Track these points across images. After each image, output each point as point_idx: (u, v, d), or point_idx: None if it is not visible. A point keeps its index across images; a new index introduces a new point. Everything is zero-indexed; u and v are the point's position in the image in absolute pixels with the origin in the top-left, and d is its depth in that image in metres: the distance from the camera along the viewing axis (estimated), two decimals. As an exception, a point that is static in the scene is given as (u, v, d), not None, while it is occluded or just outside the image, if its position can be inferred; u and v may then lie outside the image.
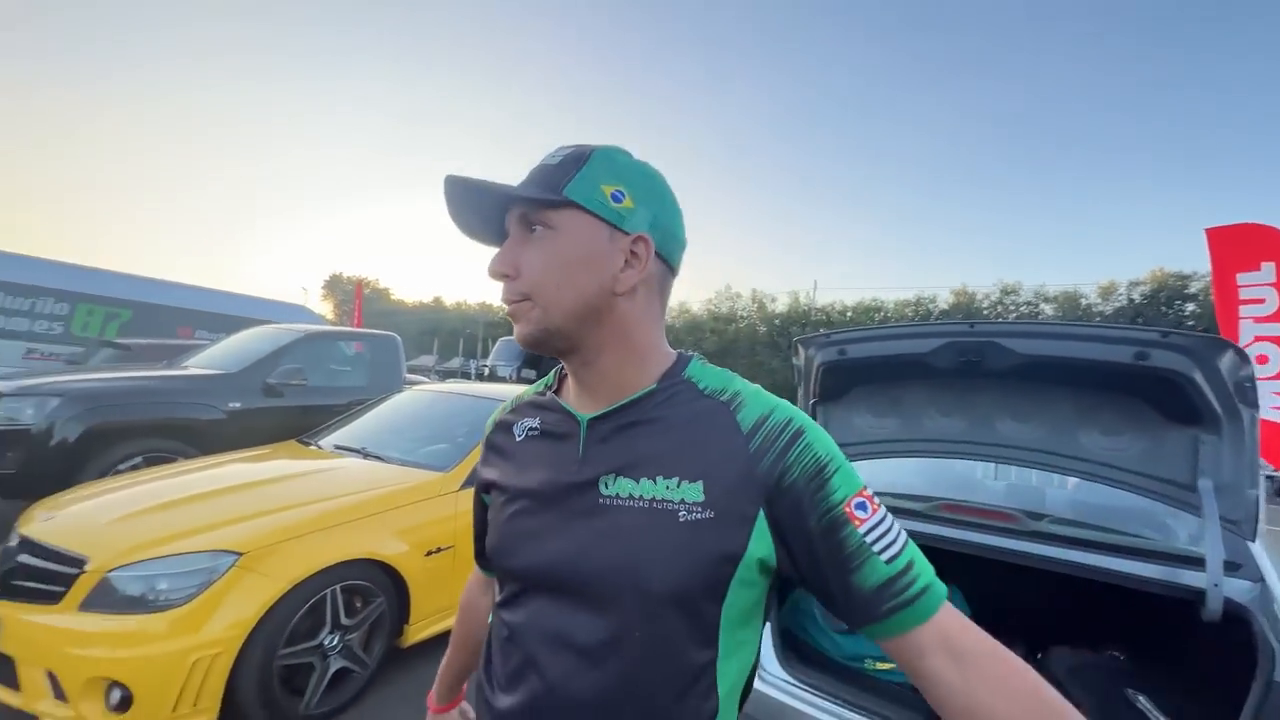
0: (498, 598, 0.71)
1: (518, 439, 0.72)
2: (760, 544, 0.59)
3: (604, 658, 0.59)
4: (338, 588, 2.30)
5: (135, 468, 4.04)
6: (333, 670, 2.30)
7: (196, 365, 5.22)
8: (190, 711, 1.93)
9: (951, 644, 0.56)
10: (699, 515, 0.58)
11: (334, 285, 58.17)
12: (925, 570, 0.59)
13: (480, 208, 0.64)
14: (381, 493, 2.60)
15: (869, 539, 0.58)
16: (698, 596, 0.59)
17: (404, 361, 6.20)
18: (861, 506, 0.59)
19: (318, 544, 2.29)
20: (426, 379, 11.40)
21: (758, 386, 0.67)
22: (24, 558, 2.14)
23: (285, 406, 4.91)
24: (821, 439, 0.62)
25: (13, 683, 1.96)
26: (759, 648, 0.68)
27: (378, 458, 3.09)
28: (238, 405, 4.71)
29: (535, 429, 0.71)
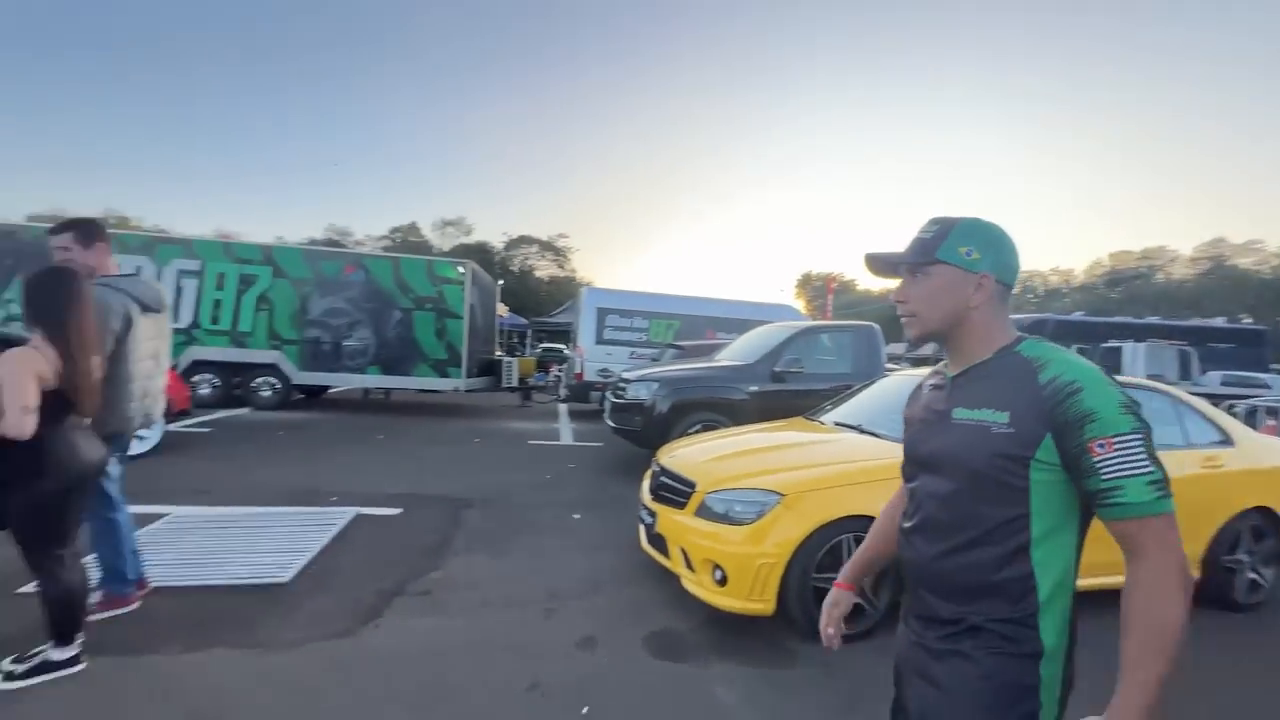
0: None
1: (924, 390, 1.23)
2: (1047, 451, 0.96)
3: (952, 503, 1.05)
4: (850, 537, 2.80)
5: (697, 431, 5.74)
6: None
7: (724, 358, 6.94)
8: (758, 598, 2.76)
9: (1129, 544, 0.93)
10: (1003, 430, 0.98)
11: (805, 283, 64.20)
12: (1134, 491, 0.89)
13: (885, 265, 1.15)
14: (882, 462, 2.97)
15: (1097, 463, 0.91)
16: (1002, 470, 0.98)
17: (883, 349, 6.53)
18: (1101, 446, 0.91)
19: (835, 498, 2.85)
20: (898, 366, 11.35)
21: (1068, 355, 1.02)
22: (663, 478, 3.47)
23: (788, 390, 5.99)
24: (1095, 395, 0.93)
25: (665, 553, 3.22)
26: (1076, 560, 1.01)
27: (872, 433, 3.51)
28: (755, 389, 6.05)
29: (933, 384, 1.20)
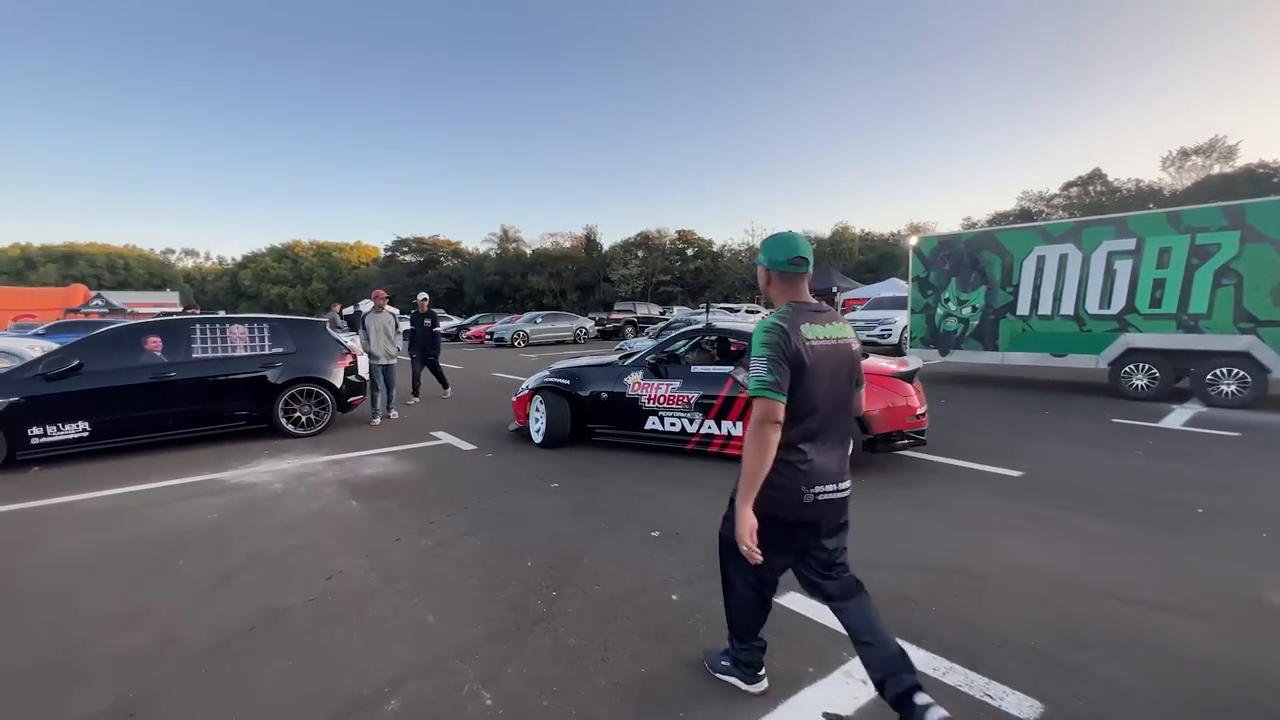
0: None
1: None
2: None
3: None
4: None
5: None
6: None
7: None
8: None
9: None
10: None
11: None
12: (752, 383, 1.85)
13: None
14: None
15: (748, 370, 1.88)
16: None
17: None
18: (747, 367, 1.89)
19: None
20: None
21: (773, 314, 1.93)
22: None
23: None
24: (755, 335, 1.90)
25: None
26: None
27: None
28: None
29: None
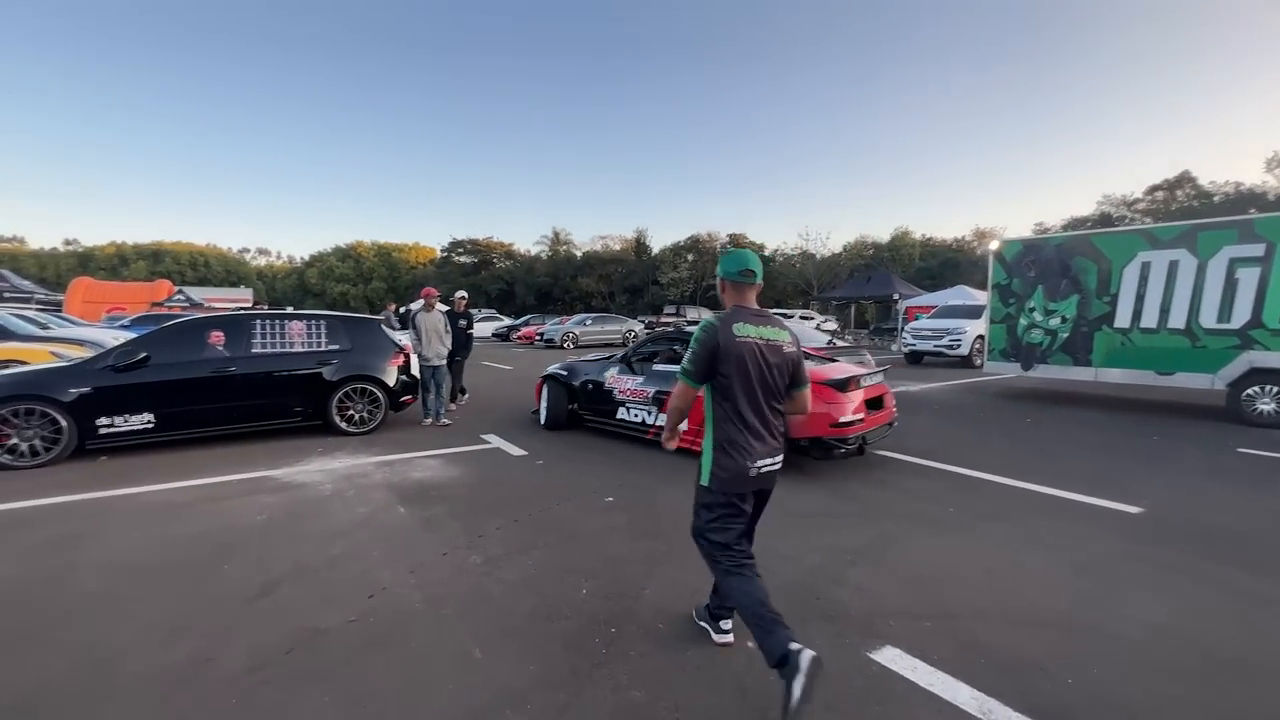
0: None
1: None
2: None
3: None
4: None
5: None
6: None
7: None
8: None
9: None
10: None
11: None
12: (683, 371, 2.36)
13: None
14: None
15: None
16: None
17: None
18: (684, 357, 2.42)
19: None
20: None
21: (710, 316, 2.40)
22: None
23: None
24: (694, 334, 2.36)
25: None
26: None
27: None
28: None
29: None
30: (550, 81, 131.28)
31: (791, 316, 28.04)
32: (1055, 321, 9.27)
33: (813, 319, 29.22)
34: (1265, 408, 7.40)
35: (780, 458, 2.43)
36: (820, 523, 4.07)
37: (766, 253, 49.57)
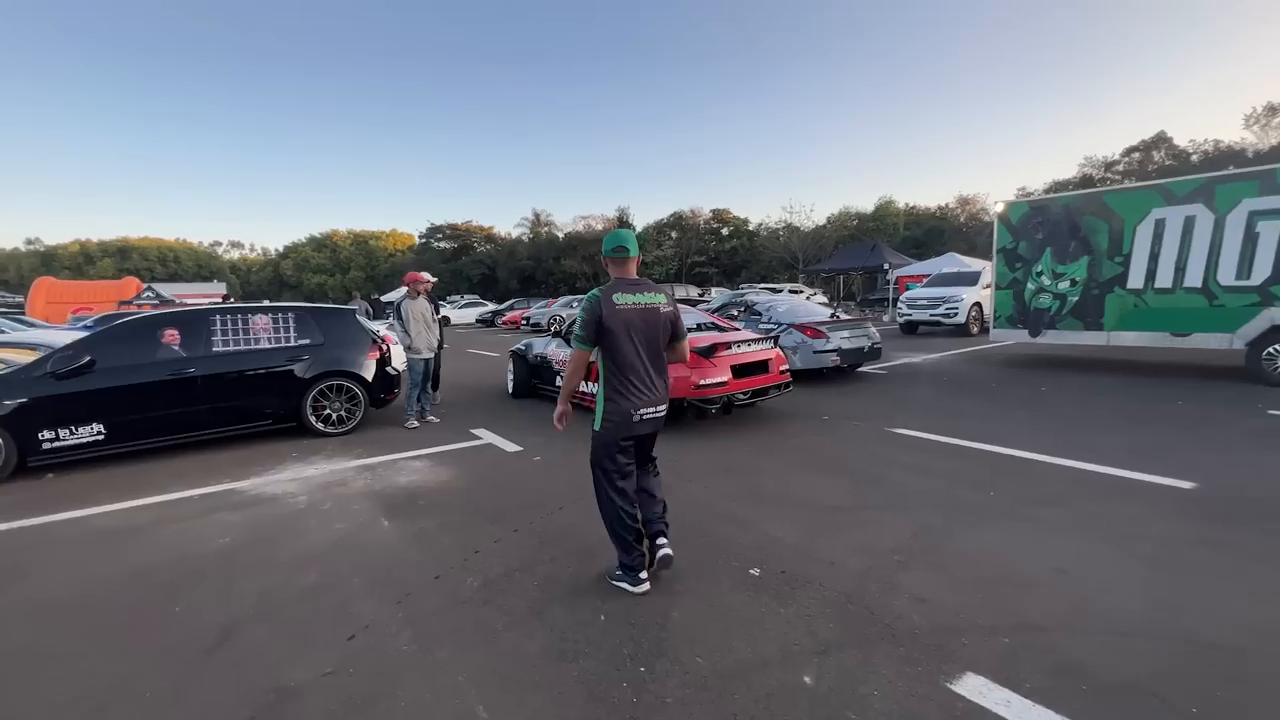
0: None
1: None
2: None
3: None
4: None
5: None
6: None
7: None
8: None
9: None
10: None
11: None
12: (576, 337, 2.75)
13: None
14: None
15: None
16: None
17: None
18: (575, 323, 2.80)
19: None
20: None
21: (597, 289, 2.77)
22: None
23: None
24: (581, 304, 2.77)
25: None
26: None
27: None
28: None
29: None
30: (525, 60, 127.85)
31: (781, 290, 27.62)
32: (1064, 285, 8.92)
33: (802, 292, 28.82)
34: (1287, 366, 7.14)
35: (663, 408, 2.90)
36: (852, 517, 3.67)
37: (751, 227, 48.96)
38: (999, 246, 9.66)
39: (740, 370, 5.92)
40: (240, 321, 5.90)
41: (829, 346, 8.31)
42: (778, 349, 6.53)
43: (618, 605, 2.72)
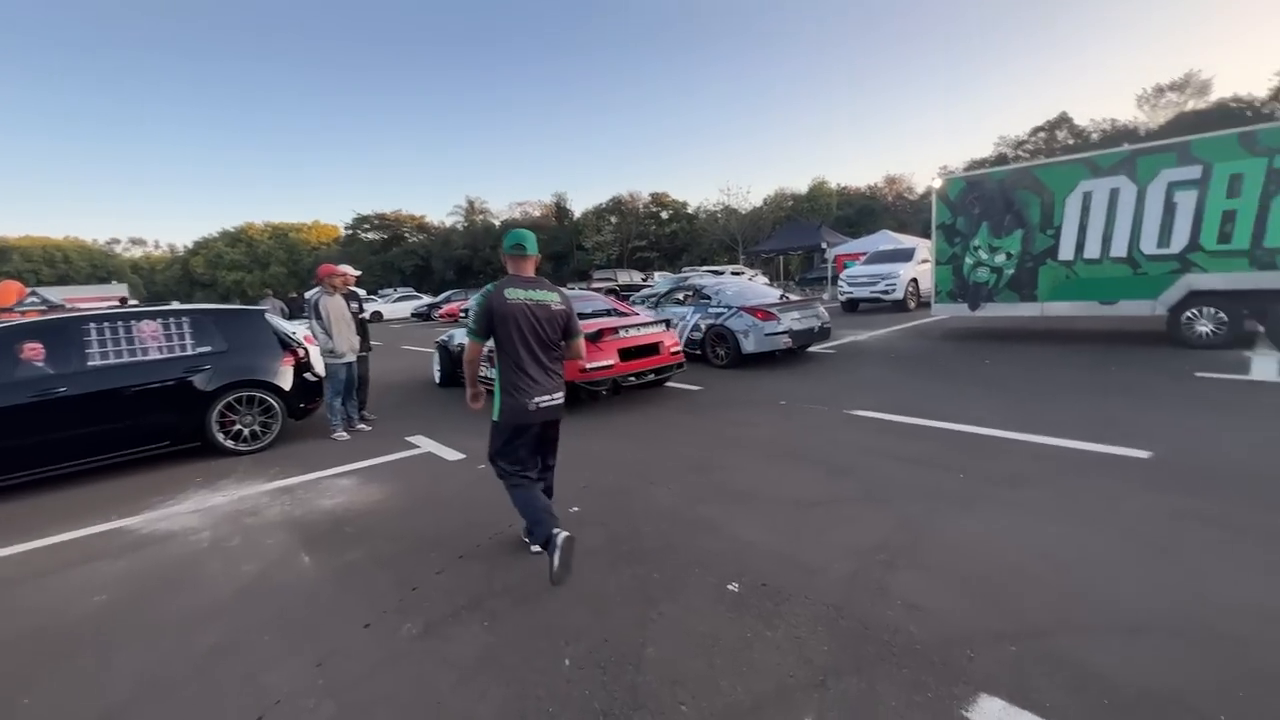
0: None
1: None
2: None
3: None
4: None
5: None
6: None
7: None
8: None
9: None
10: None
11: None
12: (469, 330, 2.92)
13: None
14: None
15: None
16: None
17: None
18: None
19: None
20: None
21: (491, 284, 2.88)
22: None
23: None
24: (474, 299, 2.92)
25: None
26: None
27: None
28: None
29: None
30: (458, 42, 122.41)
31: (722, 273, 27.65)
32: (1000, 258, 9.14)
33: (744, 273, 28.98)
34: (1203, 329, 7.53)
35: (559, 395, 2.99)
36: (829, 513, 3.45)
37: (690, 210, 48.97)
38: (938, 222, 9.80)
39: (628, 353, 6.38)
40: (121, 329, 5.07)
41: (780, 328, 8.16)
42: (670, 331, 7.05)
43: (583, 644, 2.35)
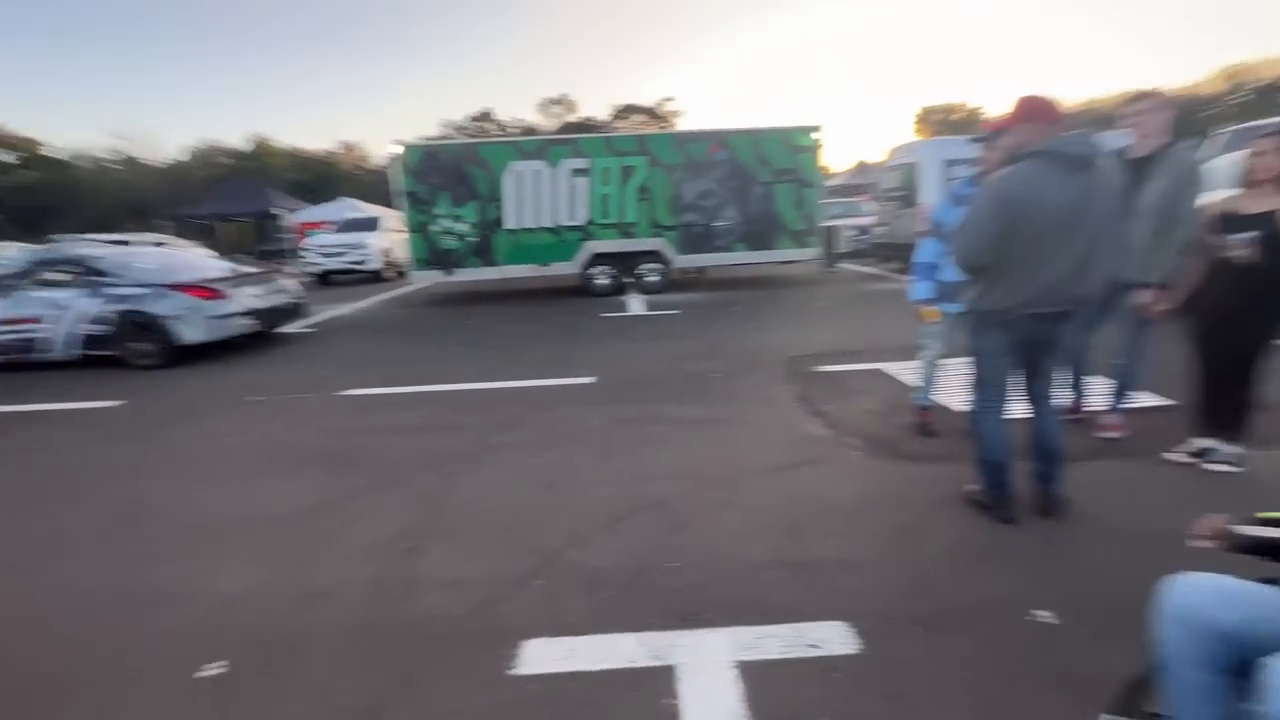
0: None
1: None
2: None
3: None
4: None
5: None
6: None
7: None
8: None
9: None
10: None
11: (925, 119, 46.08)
12: None
13: None
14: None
15: None
16: None
17: None
18: None
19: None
20: None
21: None
22: None
23: None
24: None
25: None
26: None
27: None
28: None
29: None
30: None
31: (127, 244, 20.32)
32: (463, 226, 9.93)
33: (166, 244, 22.08)
34: (602, 282, 10.27)
35: None
36: (336, 515, 2.92)
37: (58, 155, 33.73)
38: (405, 190, 9.78)
39: None
40: None
41: (234, 309, 6.53)
42: None
43: None
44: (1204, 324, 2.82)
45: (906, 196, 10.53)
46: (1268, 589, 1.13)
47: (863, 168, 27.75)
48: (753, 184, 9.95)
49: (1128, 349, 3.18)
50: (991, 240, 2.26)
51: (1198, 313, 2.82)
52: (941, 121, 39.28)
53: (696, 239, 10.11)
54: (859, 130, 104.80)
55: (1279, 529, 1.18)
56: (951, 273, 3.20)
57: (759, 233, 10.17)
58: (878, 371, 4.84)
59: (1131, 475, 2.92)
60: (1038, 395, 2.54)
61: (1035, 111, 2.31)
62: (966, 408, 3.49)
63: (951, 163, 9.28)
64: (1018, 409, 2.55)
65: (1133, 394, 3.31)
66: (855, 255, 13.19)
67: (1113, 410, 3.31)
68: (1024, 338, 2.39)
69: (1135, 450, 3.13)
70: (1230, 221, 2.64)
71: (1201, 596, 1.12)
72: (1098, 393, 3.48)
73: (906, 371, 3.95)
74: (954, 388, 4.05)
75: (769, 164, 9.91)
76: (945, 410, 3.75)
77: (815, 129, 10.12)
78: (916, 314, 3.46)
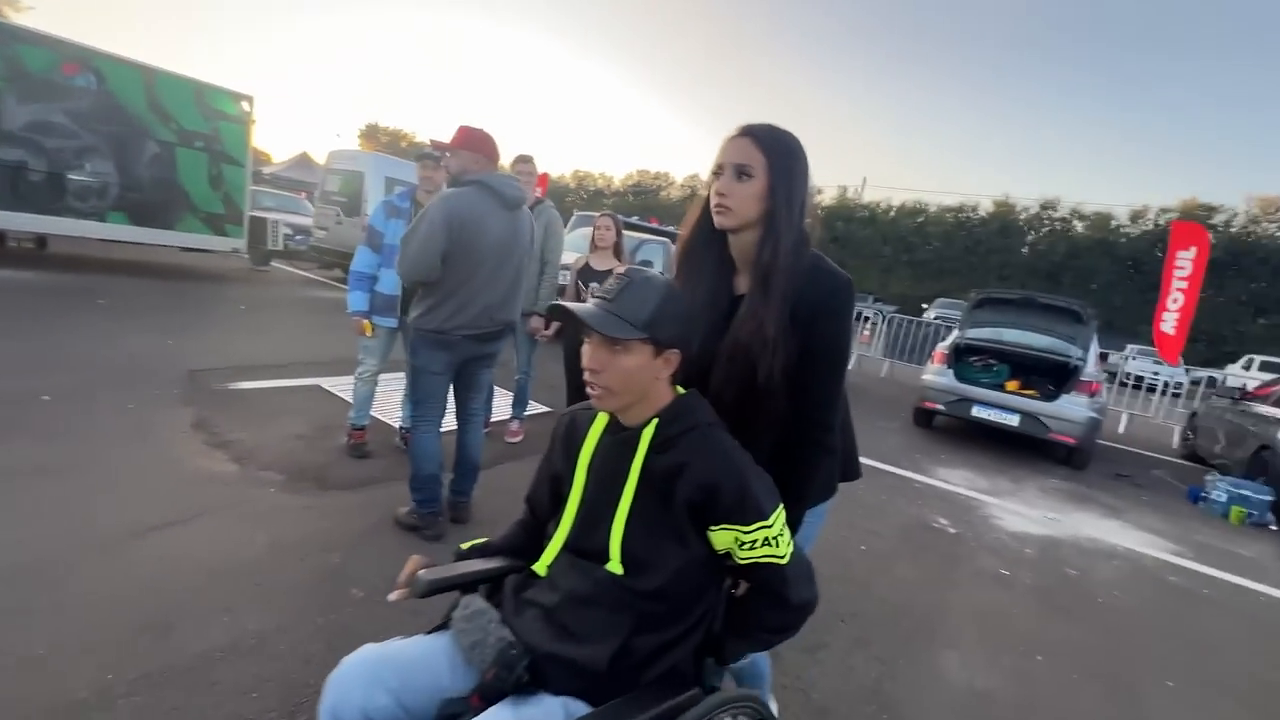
0: None
1: None
2: None
3: None
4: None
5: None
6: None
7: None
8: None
9: None
10: None
11: (371, 134, 44.80)
12: None
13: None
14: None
15: None
16: None
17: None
18: None
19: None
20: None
21: None
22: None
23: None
24: None
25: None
26: None
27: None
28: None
29: None
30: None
31: None
32: None
33: None
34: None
35: None
36: None
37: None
38: None
39: None
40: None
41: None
42: None
43: None
44: (569, 347, 3.67)
45: (349, 204, 10.03)
46: (425, 641, 1.01)
47: (305, 161, 25.01)
48: (142, 138, 7.39)
49: (524, 365, 3.86)
50: (436, 257, 2.26)
51: (567, 338, 3.66)
52: (388, 144, 39.33)
53: (30, 191, 6.68)
54: (305, 123, 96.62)
55: (473, 560, 1.16)
56: (390, 285, 3.12)
57: (149, 205, 7.63)
58: (315, 388, 4.29)
59: (529, 476, 3.49)
60: (469, 411, 2.69)
61: (476, 142, 2.41)
62: (404, 423, 3.49)
63: (393, 181, 9.29)
64: (445, 424, 2.63)
65: (528, 404, 4.04)
66: (292, 256, 11.70)
67: (514, 419, 3.95)
68: (462, 356, 2.49)
69: (532, 452, 3.74)
70: (585, 273, 3.57)
71: (353, 690, 0.90)
72: (501, 404, 4.09)
73: (347, 388, 3.60)
74: (392, 403, 4.00)
75: (172, 119, 7.61)
76: (383, 426, 3.62)
77: (246, 98, 8.48)
78: (355, 326, 3.19)
